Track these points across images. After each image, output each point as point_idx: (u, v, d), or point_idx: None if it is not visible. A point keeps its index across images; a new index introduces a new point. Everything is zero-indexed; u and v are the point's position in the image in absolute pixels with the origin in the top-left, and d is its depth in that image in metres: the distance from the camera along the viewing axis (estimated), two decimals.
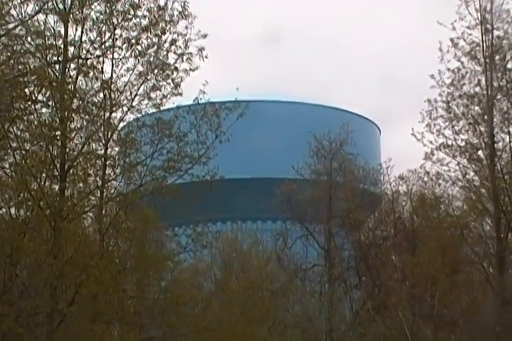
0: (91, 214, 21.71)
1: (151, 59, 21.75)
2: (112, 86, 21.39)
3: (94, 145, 20.86)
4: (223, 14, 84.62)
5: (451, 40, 29.07)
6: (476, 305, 30.46)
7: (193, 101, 23.09)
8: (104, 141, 21.22)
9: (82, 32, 20.61)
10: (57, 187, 19.95)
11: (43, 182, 19.65)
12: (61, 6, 20.39)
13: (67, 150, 19.93)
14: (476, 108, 29.56)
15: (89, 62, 20.83)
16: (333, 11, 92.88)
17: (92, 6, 20.68)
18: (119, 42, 21.27)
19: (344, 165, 36.88)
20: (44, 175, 19.67)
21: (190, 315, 25.65)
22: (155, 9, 21.63)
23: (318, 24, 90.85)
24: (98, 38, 20.86)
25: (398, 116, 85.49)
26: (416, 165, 33.86)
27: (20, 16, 19.85)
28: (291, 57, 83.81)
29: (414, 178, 35.31)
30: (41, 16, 20.18)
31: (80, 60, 20.70)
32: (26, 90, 19.61)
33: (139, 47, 21.57)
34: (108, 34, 21.01)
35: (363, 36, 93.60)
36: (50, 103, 19.98)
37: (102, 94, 21.17)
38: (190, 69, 22.16)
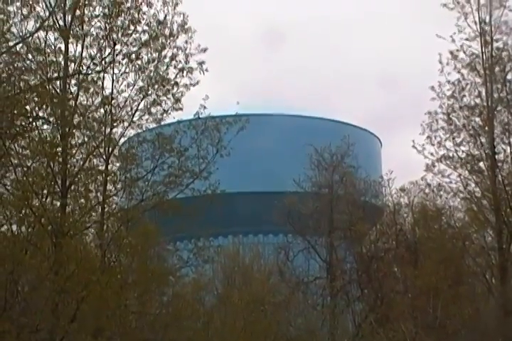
0: (92, 230, 21.72)
1: (152, 74, 21.83)
2: (113, 101, 21.49)
3: (95, 160, 20.95)
4: (221, 21, 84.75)
5: (451, 52, 29.14)
6: (478, 317, 30.37)
7: (194, 115, 23.21)
8: (105, 157, 21.29)
9: (82, 48, 20.75)
10: (58, 204, 19.98)
11: (44, 199, 19.68)
12: (61, 23, 20.50)
13: (68, 166, 19.96)
14: (477, 119, 29.58)
15: (89, 77, 20.92)
16: (334, 18, 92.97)
17: (92, 22, 20.80)
18: (119, 58, 21.41)
19: (345, 178, 36.86)
20: (45, 191, 19.70)
21: (192, 329, 25.62)
22: (154, 24, 21.75)
23: (319, 31, 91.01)
24: (98, 54, 20.97)
25: (399, 127, 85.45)
26: (417, 177, 33.89)
27: (20, 34, 19.94)
28: (291, 67, 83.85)
29: (415, 190, 35.32)
30: (41, 33, 20.31)
31: (81, 76, 20.77)
32: (27, 107, 19.62)
33: (139, 62, 21.67)
34: (108, 50, 21.13)
35: (363, 45, 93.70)
36: (51, 119, 20.03)
37: (102, 110, 21.28)
38: (191, 84, 22.29)
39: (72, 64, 20.62)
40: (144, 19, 21.49)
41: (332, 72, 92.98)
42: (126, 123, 21.82)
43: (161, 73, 21.91)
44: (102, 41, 20.93)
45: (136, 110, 21.88)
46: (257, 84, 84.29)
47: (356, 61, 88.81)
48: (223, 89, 69.51)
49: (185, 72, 22.12)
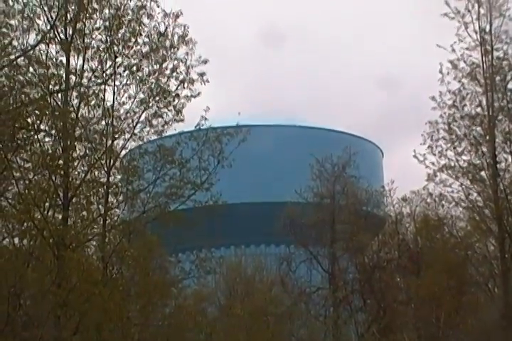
0: (94, 242, 21.70)
1: (153, 86, 21.83)
2: (114, 113, 21.47)
3: (96, 173, 20.89)
4: (219, 31, 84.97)
5: (451, 61, 29.15)
6: (481, 326, 30.29)
7: (195, 127, 23.18)
8: (106, 169, 21.26)
9: (83, 61, 20.76)
10: (60, 216, 19.97)
11: (46, 212, 19.67)
12: (62, 36, 20.53)
13: (70, 178, 19.94)
14: (478, 129, 29.52)
15: (90, 90, 20.93)
16: (335, 24, 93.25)
17: (93, 35, 20.83)
18: (120, 70, 21.43)
19: (347, 188, 36.86)
20: (47, 204, 19.69)
21: None
22: (155, 36, 21.78)
23: (319, 38, 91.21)
24: (99, 67, 20.99)
25: (401, 137, 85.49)
26: (419, 187, 33.88)
27: (22, 47, 19.96)
28: (291, 77, 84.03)
29: (417, 200, 35.37)
30: (43, 46, 20.34)
31: (82, 89, 20.78)
32: (28, 120, 19.63)
33: (140, 74, 21.68)
34: (109, 62, 21.15)
35: (363, 53, 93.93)
36: (52, 132, 20.05)
37: (103, 122, 21.26)
38: (192, 95, 22.28)
39: (74, 76, 20.64)
40: (144, 31, 21.52)
41: (332, 82, 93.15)
42: (127, 135, 21.81)
43: (161, 85, 21.90)
44: (103, 54, 20.94)
45: (138, 122, 21.88)
46: (258, 94, 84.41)
47: (357, 71, 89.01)
48: (223, 98, 69.62)
49: (186, 84, 22.13)
